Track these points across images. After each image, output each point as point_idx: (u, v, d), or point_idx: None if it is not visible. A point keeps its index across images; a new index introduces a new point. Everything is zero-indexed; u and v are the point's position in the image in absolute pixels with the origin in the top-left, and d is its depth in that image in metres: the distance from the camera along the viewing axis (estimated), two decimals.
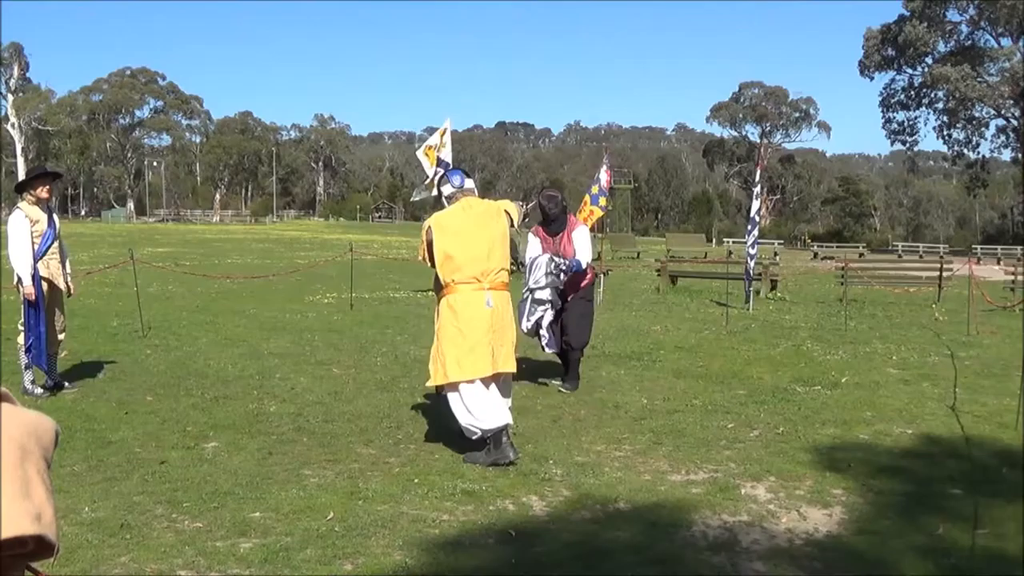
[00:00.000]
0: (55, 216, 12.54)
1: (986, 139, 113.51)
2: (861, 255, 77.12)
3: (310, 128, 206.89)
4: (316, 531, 6.86)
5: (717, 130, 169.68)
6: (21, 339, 12.09)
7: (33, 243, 11.90)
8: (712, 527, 7.15)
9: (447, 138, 24.67)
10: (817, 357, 15.58)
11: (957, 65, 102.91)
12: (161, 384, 12.60)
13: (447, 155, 23.88)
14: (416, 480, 8.26)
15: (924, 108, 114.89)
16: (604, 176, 22.69)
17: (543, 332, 12.70)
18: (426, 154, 24.67)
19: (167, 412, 10.94)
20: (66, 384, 12.45)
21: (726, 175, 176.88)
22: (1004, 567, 6.36)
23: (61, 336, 12.55)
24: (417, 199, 26.61)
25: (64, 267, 12.52)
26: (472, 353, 9.11)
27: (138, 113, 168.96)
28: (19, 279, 11.89)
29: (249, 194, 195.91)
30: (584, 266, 13.06)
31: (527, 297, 12.54)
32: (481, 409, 9.10)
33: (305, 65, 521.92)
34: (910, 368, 14.67)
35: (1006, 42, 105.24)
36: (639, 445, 9.70)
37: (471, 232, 9.30)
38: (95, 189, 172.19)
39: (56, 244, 12.30)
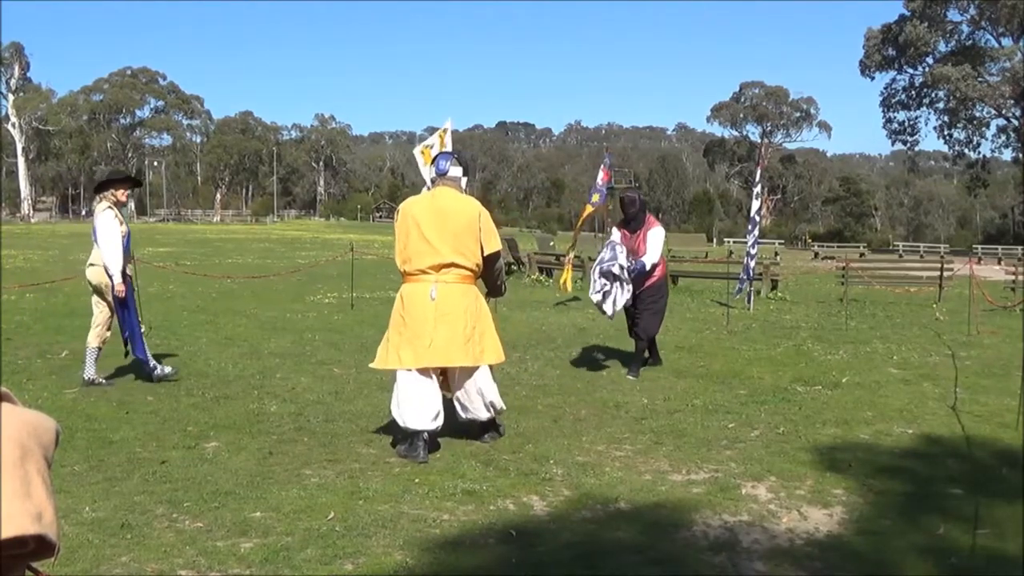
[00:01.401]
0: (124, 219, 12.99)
1: (987, 139, 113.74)
2: (862, 255, 77.12)
3: (311, 128, 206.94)
4: (317, 531, 6.85)
5: (718, 130, 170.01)
6: (91, 336, 12.63)
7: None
8: (713, 527, 7.15)
9: (448, 138, 24.66)
10: (818, 357, 15.57)
11: (958, 65, 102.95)
12: (162, 384, 12.58)
13: None
14: (416, 480, 8.26)
15: (925, 108, 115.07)
16: (601, 175, 22.77)
17: (606, 305, 13.59)
18: (422, 153, 24.66)
19: (168, 412, 10.94)
20: (103, 381, 12.73)
21: (727, 175, 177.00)
22: (1005, 567, 6.35)
23: (108, 333, 12.84)
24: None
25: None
26: (410, 344, 9.28)
27: (139, 113, 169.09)
28: (111, 277, 12.32)
29: (250, 194, 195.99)
30: (648, 267, 13.77)
31: (595, 269, 13.80)
32: (408, 403, 9.23)
33: (306, 65, 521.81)
34: (911, 368, 14.67)
35: (1007, 42, 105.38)
36: (640, 445, 9.69)
37: (429, 223, 9.34)
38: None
39: (129, 244, 12.80)
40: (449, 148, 24.22)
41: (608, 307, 13.54)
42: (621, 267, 13.42)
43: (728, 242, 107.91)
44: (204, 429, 10.11)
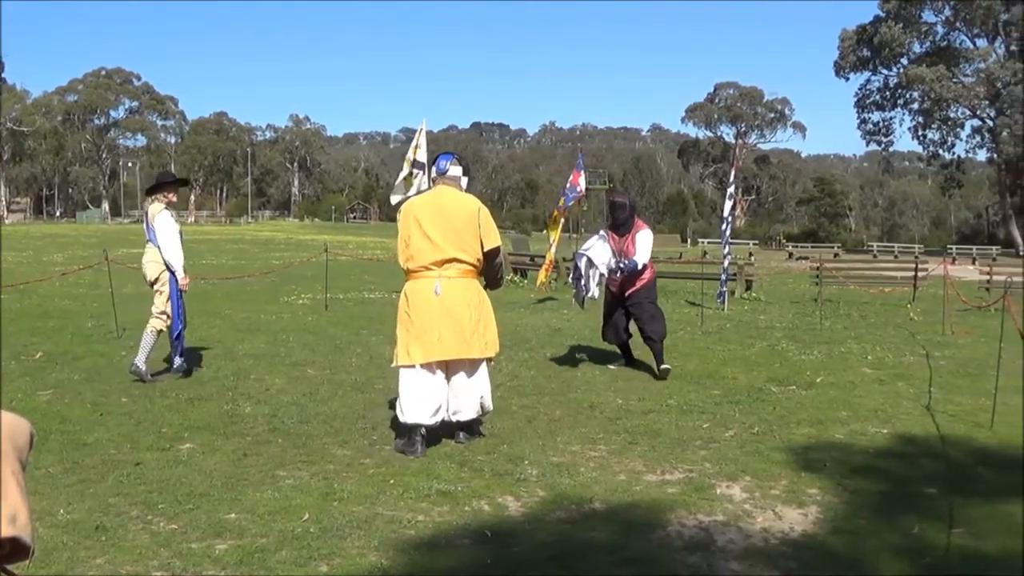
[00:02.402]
0: None
1: (961, 139, 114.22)
2: (836, 255, 77.51)
3: (285, 128, 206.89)
4: (291, 532, 6.84)
5: (692, 131, 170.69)
6: (156, 323, 13.20)
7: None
8: (687, 527, 7.15)
9: (422, 139, 24.68)
10: (792, 357, 15.61)
11: (932, 66, 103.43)
12: (136, 385, 12.55)
13: (422, 155, 23.91)
14: (391, 481, 8.25)
15: (899, 109, 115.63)
16: (571, 177, 22.93)
17: (581, 285, 13.94)
18: (407, 163, 24.78)
19: (142, 413, 10.90)
20: (155, 377, 13.25)
21: (701, 176, 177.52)
22: (980, 566, 6.37)
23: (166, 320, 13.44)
24: (395, 201, 26.61)
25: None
26: (417, 340, 9.41)
27: (113, 113, 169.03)
28: (172, 272, 13.04)
29: (224, 195, 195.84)
30: (640, 266, 13.96)
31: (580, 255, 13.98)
32: (409, 397, 9.40)
33: (280, 65, 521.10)
34: (885, 368, 14.72)
35: (981, 43, 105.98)
36: (614, 445, 9.70)
37: (431, 221, 9.49)
38: (70, 190, 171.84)
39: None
40: (424, 148, 24.31)
41: (585, 289, 13.86)
42: (611, 268, 13.85)
43: (702, 243, 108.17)
44: (178, 431, 10.08)
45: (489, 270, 9.99)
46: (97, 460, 8.86)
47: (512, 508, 7.63)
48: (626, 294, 14.20)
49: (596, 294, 14.09)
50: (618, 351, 15.15)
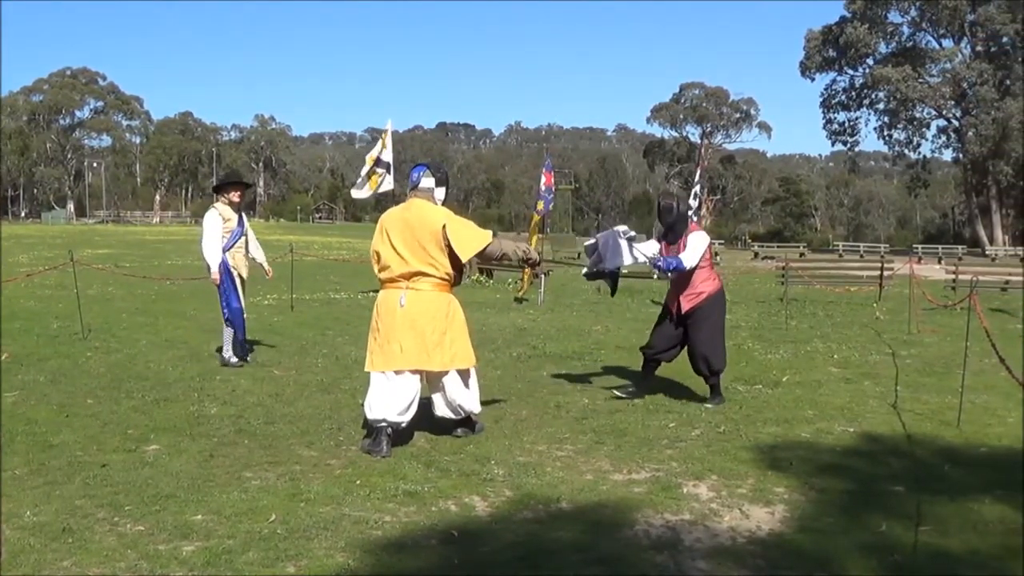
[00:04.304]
0: (244, 216, 15.06)
1: (927, 139, 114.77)
2: (802, 255, 77.93)
3: (251, 129, 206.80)
4: (258, 533, 6.82)
5: (658, 131, 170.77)
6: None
7: (223, 237, 14.37)
8: (655, 526, 7.16)
9: (388, 140, 24.68)
10: (758, 356, 15.66)
11: (898, 66, 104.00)
12: (102, 387, 12.51)
13: (388, 156, 23.92)
14: (358, 482, 8.23)
15: (865, 109, 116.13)
16: (543, 179, 22.97)
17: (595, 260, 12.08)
18: (369, 159, 24.79)
19: (108, 415, 10.84)
20: (245, 359, 14.78)
21: (667, 176, 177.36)
22: (947, 564, 6.39)
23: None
24: (357, 196, 26.57)
25: (251, 257, 15.34)
26: (381, 349, 9.63)
27: (78, 114, 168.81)
28: (208, 268, 14.48)
29: (189, 195, 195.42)
30: (686, 265, 11.72)
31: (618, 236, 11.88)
32: (375, 399, 9.57)
33: (246, 66, 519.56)
34: (851, 367, 14.78)
35: (947, 43, 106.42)
36: (581, 445, 9.71)
37: (398, 235, 9.64)
38: (35, 190, 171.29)
39: (243, 239, 14.80)
40: (390, 148, 24.31)
41: (602, 259, 11.93)
42: (647, 257, 11.86)
43: None
44: (144, 432, 10.03)
45: (500, 263, 10.15)
46: (63, 462, 8.81)
47: (479, 508, 7.62)
48: (683, 310, 12.05)
49: (627, 260, 11.84)
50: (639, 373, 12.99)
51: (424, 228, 9.56)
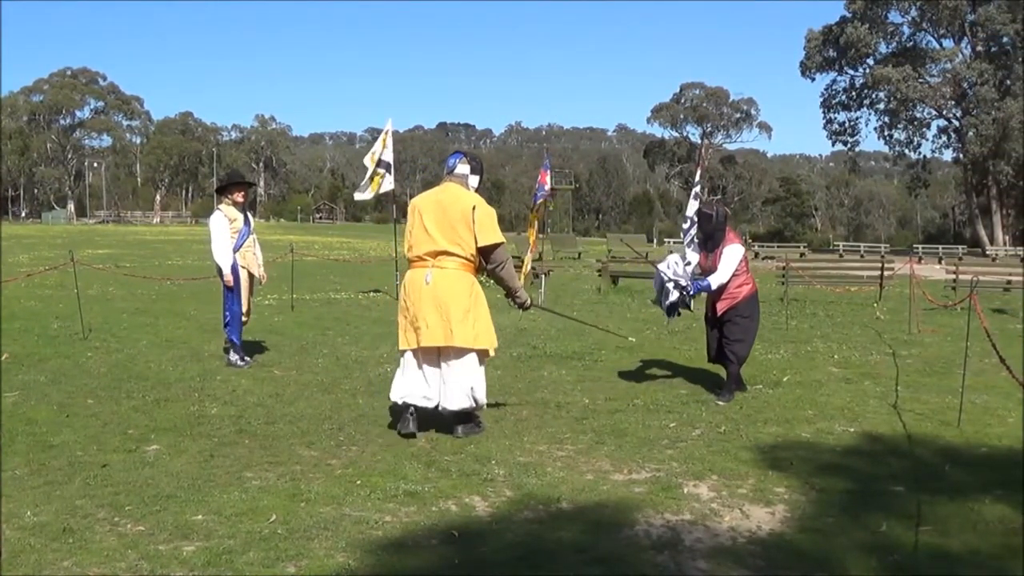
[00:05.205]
0: (249, 215, 14.97)
1: (927, 139, 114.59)
2: (802, 255, 77.73)
3: (251, 129, 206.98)
4: (259, 533, 6.82)
5: (658, 131, 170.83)
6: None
7: (232, 238, 14.38)
8: (655, 526, 7.16)
9: (388, 139, 24.69)
10: (759, 356, 15.61)
11: (899, 66, 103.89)
12: (102, 387, 12.51)
13: (388, 156, 23.94)
14: (358, 482, 8.23)
15: (865, 109, 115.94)
16: (540, 177, 22.95)
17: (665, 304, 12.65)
18: (371, 160, 24.78)
19: (108, 415, 10.85)
20: (248, 359, 14.70)
21: (667, 176, 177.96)
22: (947, 564, 6.38)
23: (245, 319, 14.87)
24: (360, 198, 26.54)
25: (257, 258, 15.02)
26: (410, 327, 9.96)
27: (79, 114, 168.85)
28: (219, 269, 14.46)
29: (189, 195, 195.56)
30: (713, 286, 12.26)
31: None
32: (401, 379, 10.08)
33: (246, 66, 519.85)
34: (852, 367, 14.76)
35: (947, 43, 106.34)
36: (581, 445, 9.71)
37: (430, 214, 9.98)
38: (35, 191, 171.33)
39: (251, 237, 14.82)
40: (390, 148, 24.35)
41: (667, 298, 12.57)
42: (680, 286, 12.34)
43: (668, 242, 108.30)
44: (145, 432, 10.03)
45: (493, 274, 10.36)
46: (64, 462, 8.81)
47: (479, 508, 7.62)
48: (719, 313, 12.61)
49: (673, 297, 12.51)
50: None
51: (456, 208, 9.89)
